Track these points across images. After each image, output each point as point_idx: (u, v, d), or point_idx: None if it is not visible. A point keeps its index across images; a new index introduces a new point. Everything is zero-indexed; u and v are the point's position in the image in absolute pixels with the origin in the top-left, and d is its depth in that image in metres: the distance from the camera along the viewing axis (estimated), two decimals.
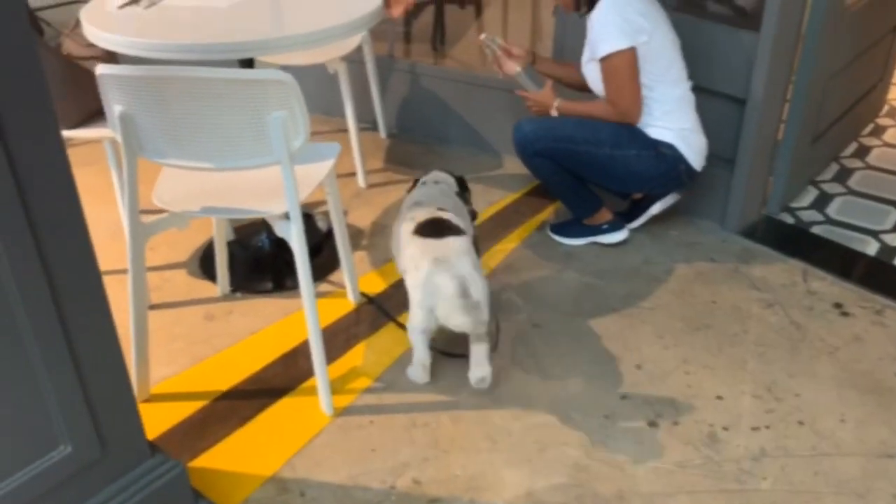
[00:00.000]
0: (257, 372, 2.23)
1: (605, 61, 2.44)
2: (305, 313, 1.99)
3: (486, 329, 2.09)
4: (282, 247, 2.73)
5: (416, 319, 2.06)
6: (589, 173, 2.62)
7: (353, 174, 3.25)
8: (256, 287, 2.60)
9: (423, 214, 2.24)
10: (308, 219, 2.87)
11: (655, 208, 2.79)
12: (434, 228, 2.17)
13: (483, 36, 2.70)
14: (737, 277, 2.61)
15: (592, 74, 2.56)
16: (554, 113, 2.63)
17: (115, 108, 1.80)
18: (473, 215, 2.50)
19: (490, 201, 3.09)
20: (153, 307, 2.51)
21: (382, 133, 3.62)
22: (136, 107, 1.78)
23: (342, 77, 3.07)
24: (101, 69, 1.75)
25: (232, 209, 1.98)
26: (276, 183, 1.89)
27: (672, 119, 2.52)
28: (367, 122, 3.66)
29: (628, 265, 2.68)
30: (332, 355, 2.27)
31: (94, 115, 2.37)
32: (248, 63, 2.41)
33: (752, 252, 2.75)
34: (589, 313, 2.44)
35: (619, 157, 2.51)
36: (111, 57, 2.30)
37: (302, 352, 2.27)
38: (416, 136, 3.62)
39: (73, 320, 1.42)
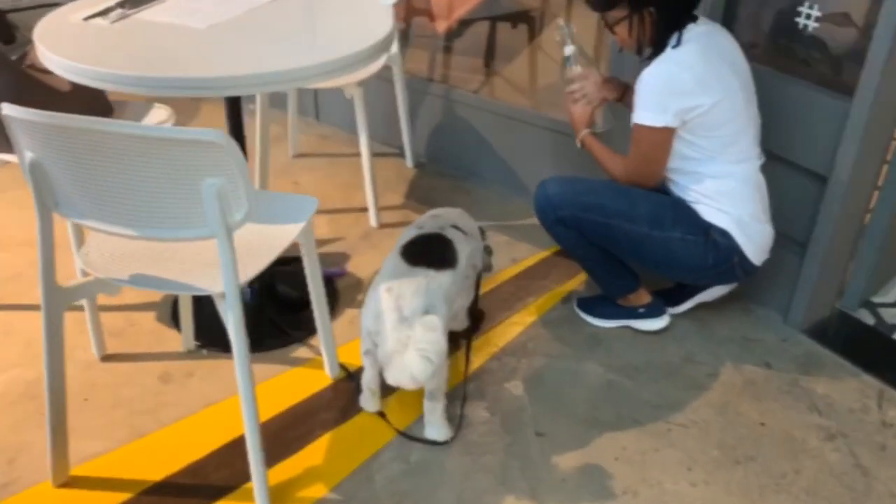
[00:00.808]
0: (200, 460, 1.89)
1: (635, 129, 2.03)
2: (243, 419, 1.64)
3: (437, 385, 1.88)
4: (268, 299, 2.42)
5: (362, 340, 1.92)
6: (621, 251, 2.19)
7: (366, 209, 2.88)
8: (227, 344, 2.25)
9: (431, 226, 2.07)
10: (298, 263, 2.51)
11: (705, 296, 2.34)
12: (421, 251, 1.96)
13: (562, 26, 2.20)
14: (795, 393, 2.14)
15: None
16: (577, 142, 2.25)
17: (25, 154, 1.48)
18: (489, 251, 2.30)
19: (514, 258, 2.68)
20: (107, 358, 2.20)
21: (409, 162, 3.24)
22: (47, 157, 1.45)
23: (358, 104, 2.70)
24: (6, 109, 1.42)
25: (165, 282, 1.63)
26: None
27: (730, 201, 2.06)
28: (395, 147, 3.29)
29: (664, 361, 2.24)
30: (289, 448, 1.92)
31: None
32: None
33: (817, 358, 2.27)
34: (606, 424, 2.02)
35: (659, 238, 2.08)
36: None
37: None
38: (445, 169, 3.23)
39: None
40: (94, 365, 2.17)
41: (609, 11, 2.01)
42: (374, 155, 3.27)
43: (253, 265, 1.64)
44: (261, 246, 1.70)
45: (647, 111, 1.98)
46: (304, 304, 2.42)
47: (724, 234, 2.06)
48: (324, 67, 1.78)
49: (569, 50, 2.19)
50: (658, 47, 1.99)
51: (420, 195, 3.07)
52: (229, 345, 2.22)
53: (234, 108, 2.14)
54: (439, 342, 1.73)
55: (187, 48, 1.84)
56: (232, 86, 1.72)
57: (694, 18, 2.00)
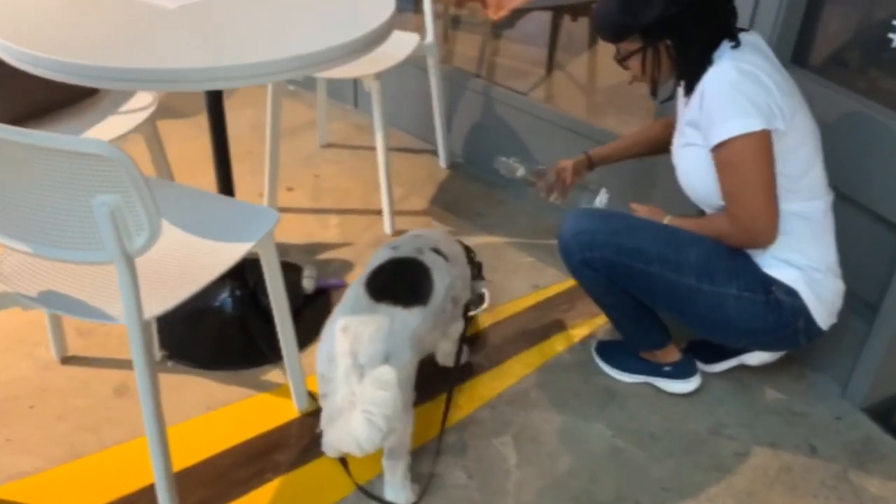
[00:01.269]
0: (131, 494, 1.69)
1: (725, 150, 1.60)
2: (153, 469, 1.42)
3: (398, 442, 1.59)
4: (250, 311, 2.20)
5: (318, 381, 1.63)
6: (659, 305, 1.84)
7: (380, 212, 2.61)
8: (195, 358, 2.05)
9: (407, 249, 1.79)
10: (287, 271, 2.28)
11: (749, 358, 1.98)
12: (388, 282, 1.68)
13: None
14: (841, 490, 1.77)
15: (685, 163, 1.77)
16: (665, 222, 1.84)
17: None
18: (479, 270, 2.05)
19: (536, 285, 2.37)
20: (67, 360, 2.03)
21: (442, 161, 2.96)
22: None
23: (375, 98, 2.43)
24: None
25: (75, 303, 1.41)
26: (149, 275, 1.31)
27: (800, 249, 1.69)
28: (430, 144, 3.02)
29: (687, 431, 1.90)
30: (231, 491, 1.70)
31: (21, 119, 1.91)
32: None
33: (875, 447, 1.88)
34: None
35: (709, 294, 1.71)
36: None
37: (198, 477, 1.71)
38: (481, 173, 2.93)
39: None
40: (51, 367, 2.01)
41: (620, 43, 1.69)
42: (407, 151, 3.04)
43: (177, 291, 1.40)
44: (194, 267, 1.46)
45: (730, 121, 1.57)
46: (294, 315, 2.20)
47: (791, 292, 1.68)
48: (305, 60, 1.52)
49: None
50: (698, 67, 1.64)
51: (447, 200, 2.78)
52: (198, 358, 2.05)
53: (215, 101, 1.90)
54: (390, 403, 1.45)
55: (151, 32, 1.61)
56: (191, 79, 1.46)
57: (740, 29, 1.66)
